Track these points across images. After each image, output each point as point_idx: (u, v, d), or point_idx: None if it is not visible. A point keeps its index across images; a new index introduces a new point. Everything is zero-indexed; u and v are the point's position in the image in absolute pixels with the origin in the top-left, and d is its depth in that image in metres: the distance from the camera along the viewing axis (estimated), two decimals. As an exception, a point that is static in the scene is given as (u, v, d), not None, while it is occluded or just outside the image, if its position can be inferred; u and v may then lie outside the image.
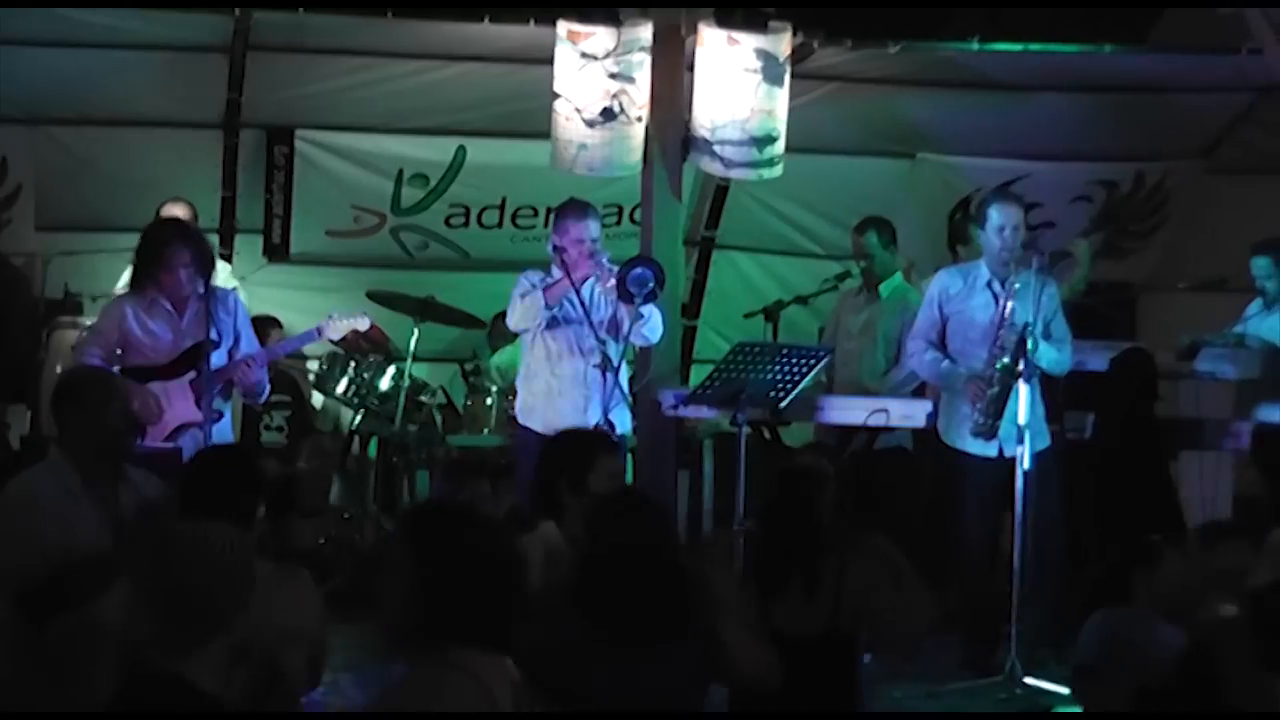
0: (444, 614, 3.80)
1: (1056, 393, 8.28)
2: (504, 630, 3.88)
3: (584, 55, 8.87)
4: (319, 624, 5.42)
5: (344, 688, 6.86)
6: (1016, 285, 7.90)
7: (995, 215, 8.07)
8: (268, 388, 8.02)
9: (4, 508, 5.83)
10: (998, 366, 7.82)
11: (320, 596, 5.49)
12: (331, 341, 8.78)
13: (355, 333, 9.46)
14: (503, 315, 9.13)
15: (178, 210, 9.38)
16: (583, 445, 6.07)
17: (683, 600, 4.87)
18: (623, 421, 8.36)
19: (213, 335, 7.61)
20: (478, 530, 3.93)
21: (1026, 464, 7.70)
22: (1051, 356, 7.94)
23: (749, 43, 8.91)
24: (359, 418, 10.16)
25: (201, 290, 7.66)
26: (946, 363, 8.14)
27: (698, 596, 4.93)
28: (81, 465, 5.83)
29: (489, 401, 9.68)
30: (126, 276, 8.20)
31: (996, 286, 8.07)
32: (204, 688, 3.75)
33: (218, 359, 7.67)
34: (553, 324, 8.34)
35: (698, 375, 9.60)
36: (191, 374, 7.66)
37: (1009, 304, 7.88)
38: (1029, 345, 7.72)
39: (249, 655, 3.95)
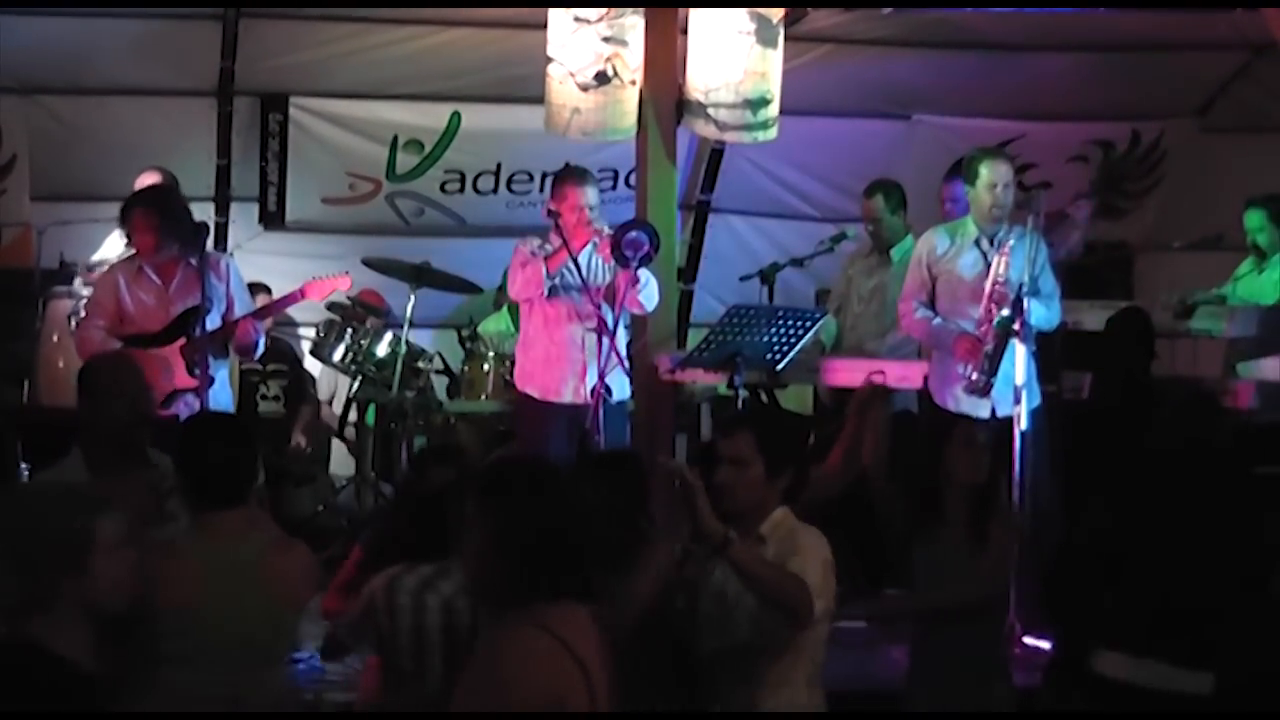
0: (524, 569, 3.86)
1: (1053, 352, 8.28)
2: (583, 579, 3.95)
3: (577, 19, 8.84)
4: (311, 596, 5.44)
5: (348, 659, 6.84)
6: (1010, 242, 7.90)
7: (985, 172, 8.06)
8: (262, 346, 8.06)
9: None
10: (995, 322, 7.81)
11: (318, 567, 5.49)
12: (327, 308, 8.80)
13: (353, 299, 9.50)
14: (504, 287, 9.13)
15: (150, 179, 9.37)
16: None
17: None
18: (620, 386, 8.37)
19: (204, 301, 7.62)
20: (548, 483, 3.99)
21: (1024, 424, 7.70)
22: (1042, 314, 7.94)
23: (742, 5, 8.88)
24: (356, 385, 10.17)
25: (191, 257, 7.69)
26: (938, 320, 8.14)
27: None
28: (91, 457, 5.85)
29: (485, 367, 9.68)
30: (106, 246, 8.21)
31: (985, 244, 8.07)
32: (59, 651, 3.79)
33: (210, 324, 7.68)
34: (551, 291, 8.34)
35: (694, 339, 9.60)
36: (182, 340, 7.68)
37: (1003, 260, 7.87)
38: (1025, 305, 7.71)
39: (106, 617, 3.97)
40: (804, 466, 5.51)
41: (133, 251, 8.12)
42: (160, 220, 7.81)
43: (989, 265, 7.95)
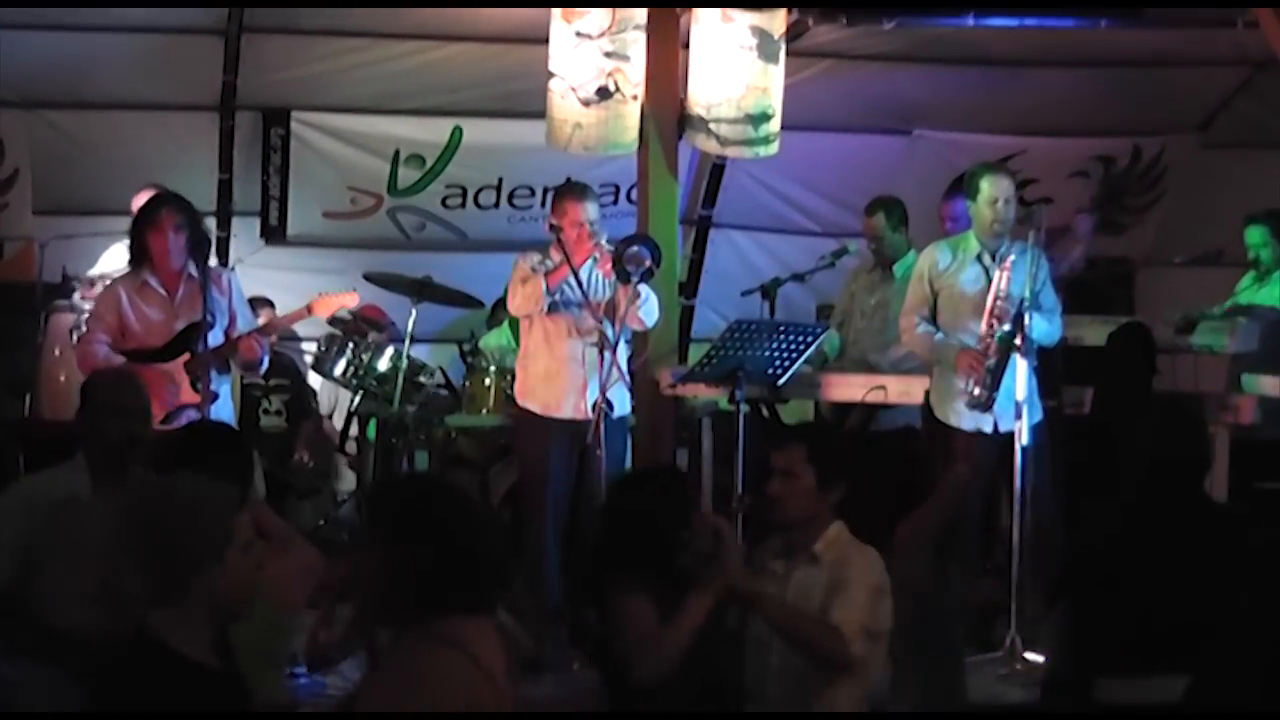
0: (424, 586, 3.82)
1: (1054, 367, 8.27)
2: (484, 590, 3.91)
3: (579, 34, 8.86)
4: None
5: (344, 670, 6.85)
6: (1012, 257, 7.89)
7: (986, 186, 8.04)
8: (267, 361, 8.06)
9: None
10: (996, 337, 7.81)
11: (320, 567, 5.50)
12: (329, 322, 8.79)
13: (354, 313, 9.51)
14: (503, 302, 9.12)
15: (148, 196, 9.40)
16: None
17: None
18: (621, 401, 8.37)
19: (207, 316, 7.61)
20: (442, 499, 3.96)
21: (1025, 439, 7.70)
22: (1043, 329, 7.94)
23: (744, 20, 8.90)
24: (357, 399, 10.17)
25: (194, 270, 7.68)
26: (940, 335, 8.14)
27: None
28: (94, 467, 5.86)
29: (487, 382, 9.68)
30: (105, 260, 8.19)
31: (986, 259, 8.07)
32: (182, 649, 3.77)
33: (213, 339, 7.67)
34: (552, 307, 8.33)
35: (696, 354, 9.61)
36: (186, 355, 7.66)
37: (1005, 275, 7.87)
38: (1026, 320, 7.72)
39: (230, 619, 3.97)
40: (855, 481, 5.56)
41: (128, 269, 8.06)
42: (189, 220, 7.80)
43: (990, 280, 7.95)
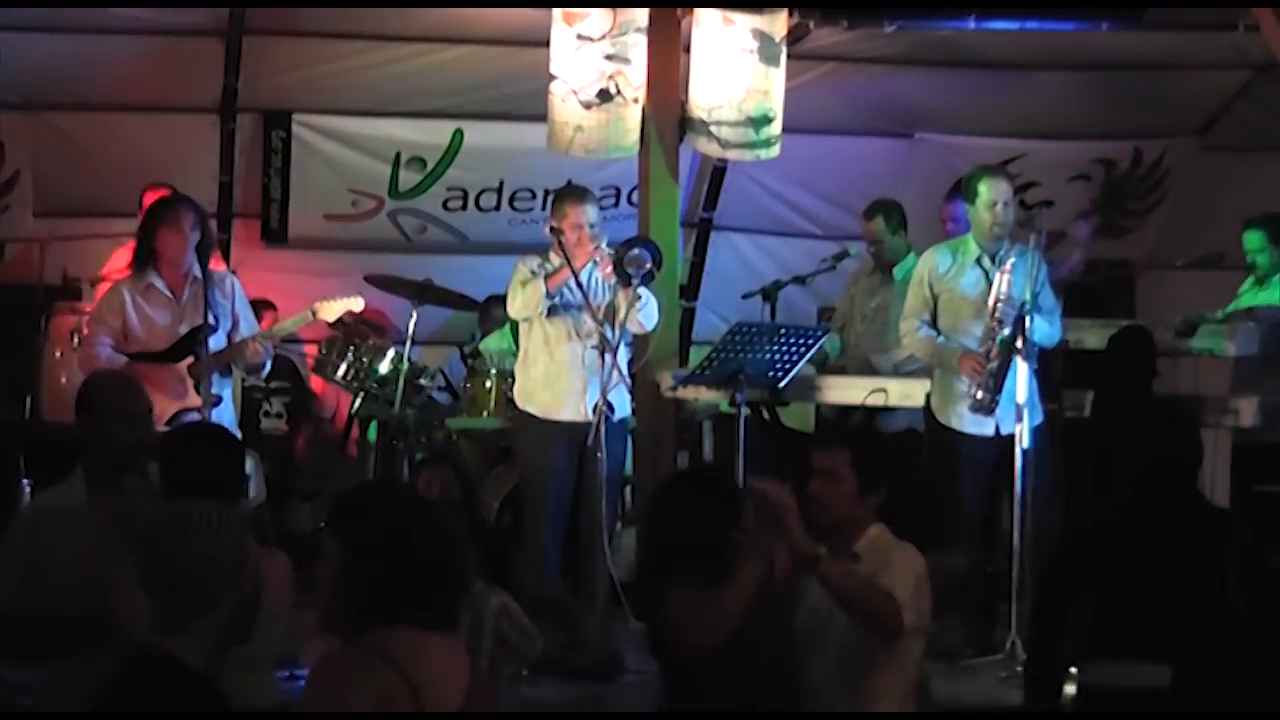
0: (370, 596, 3.78)
1: (1055, 370, 8.28)
2: (439, 605, 3.85)
3: (580, 37, 8.87)
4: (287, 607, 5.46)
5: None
6: (1012, 260, 7.89)
7: (985, 190, 8.01)
8: (269, 364, 8.05)
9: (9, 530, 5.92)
10: (997, 340, 7.81)
11: (293, 581, 5.50)
12: (330, 325, 8.78)
13: (355, 316, 9.49)
14: (494, 300, 9.11)
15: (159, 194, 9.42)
16: None
17: None
18: (622, 403, 8.37)
19: (210, 319, 7.61)
20: (396, 508, 3.91)
21: (1025, 442, 7.70)
22: (1044, 331, 7.93)
23: (745, 23, 8.91)
24: (358, 402, 10.17)
25: (198, 273, 7.67)
26: (941, 339, 8.13)
27: None
28: (91, 474, 5.79)
29: (488, 384, 9.68)
30: (113, 262, 8.16)
31: (986, 262, 8.06)
32: (194, 666, 3.76)
33: (215, 343, 7.66)
34: (551, 309, 8.33)
35: (697, 356, 9.61)
36: (190, 359, 7.65)
37: (1005, 279, 7.87)
38: (1027, 323, 7.72)
39: (241, 637, 3.94)
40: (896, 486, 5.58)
41: (130, 270, 8.05)
42: (202, 221, 7.80)
43: (991, 283, 7.95)
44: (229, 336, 7.77)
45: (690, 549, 4.93)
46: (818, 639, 5.30)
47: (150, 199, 9.23)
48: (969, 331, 8.00)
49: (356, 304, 8.55)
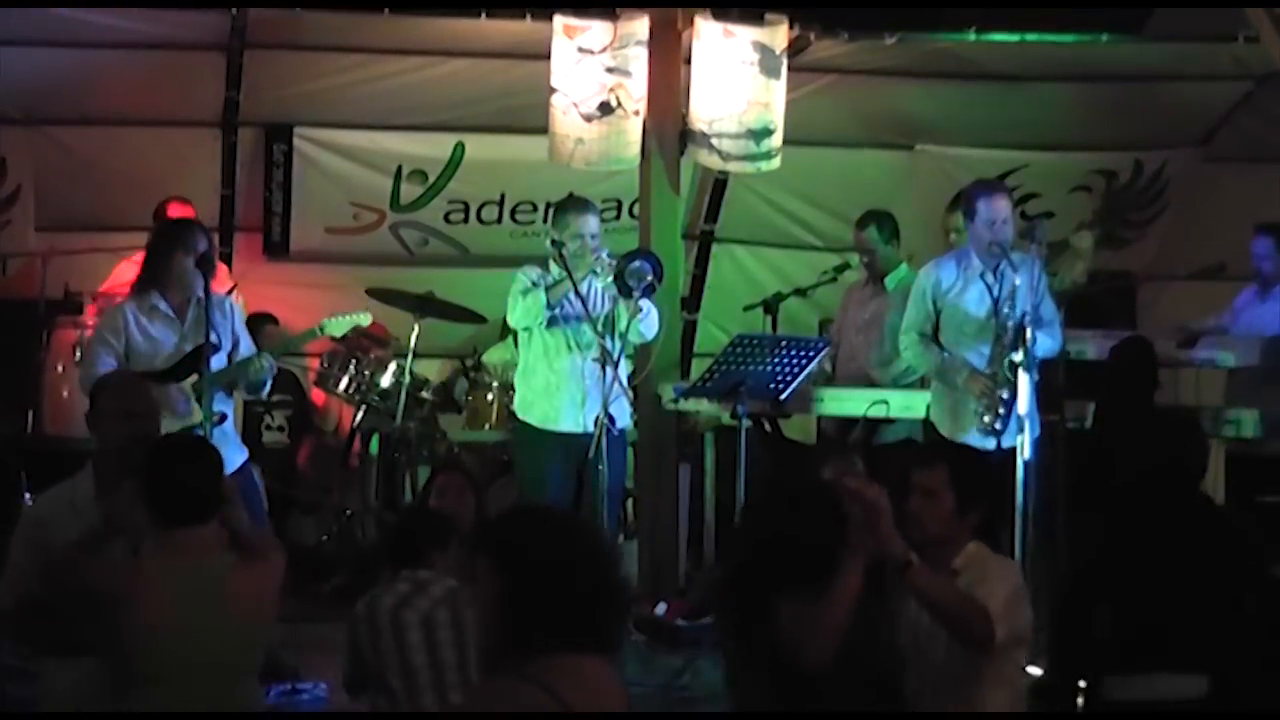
0: (527, 625, 3.68)
1: (1056, 381, 8.27)
2: (597, 630, 3.74)
3: (580, 50, 8.89)
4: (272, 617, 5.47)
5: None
6: (1017, 281, 7.84)
7: (984, 209, 7.96)
8: (270, 383, 8.04)
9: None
10: (1005, 366, 7.75)
11: (279, 591, 5.51)
12: (334, 339, 8.78)
13: (358, 330, 9.49)
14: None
15: (182, 210, 9.45)
16: None
17: None
18: (622, 415, 8.37)
19: (212, 339, 7.59)
20: (553, 534, 3.78)
21: (1028, 454, 7.69)
22: (1046, 344, 7.93)
23: (745, 35, 8.93)
24: (360, 415, 10.17)
25: (201, 293, 7.66)
26: (945, 354, 8.11)
27: None
28: (99, 474, 5.88)
29: (490, 397, 9.68)
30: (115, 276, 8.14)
31: (990, 278, 8.03)
32: None
33: (217, 363, 7.65)
34: (552, 320, 8.34)
35: (698, 369, 9.61)
36: (193, 378, 7.64)
37: (1009, 296, 7.84)
38: (1028, 335, 7.70)
39: None
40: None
41: (134, 288, 8.02)
42: (211, 242, 7.84)
43: (995, 300, 7.93)
44: (229, 357, 7.76)
45: (801, 563, 4.91)
46: (916, 655, 5.31)
47: (175, 212, 9.25)
48: (972, 347, 7.99)
49: (364, 319, 8.52)
